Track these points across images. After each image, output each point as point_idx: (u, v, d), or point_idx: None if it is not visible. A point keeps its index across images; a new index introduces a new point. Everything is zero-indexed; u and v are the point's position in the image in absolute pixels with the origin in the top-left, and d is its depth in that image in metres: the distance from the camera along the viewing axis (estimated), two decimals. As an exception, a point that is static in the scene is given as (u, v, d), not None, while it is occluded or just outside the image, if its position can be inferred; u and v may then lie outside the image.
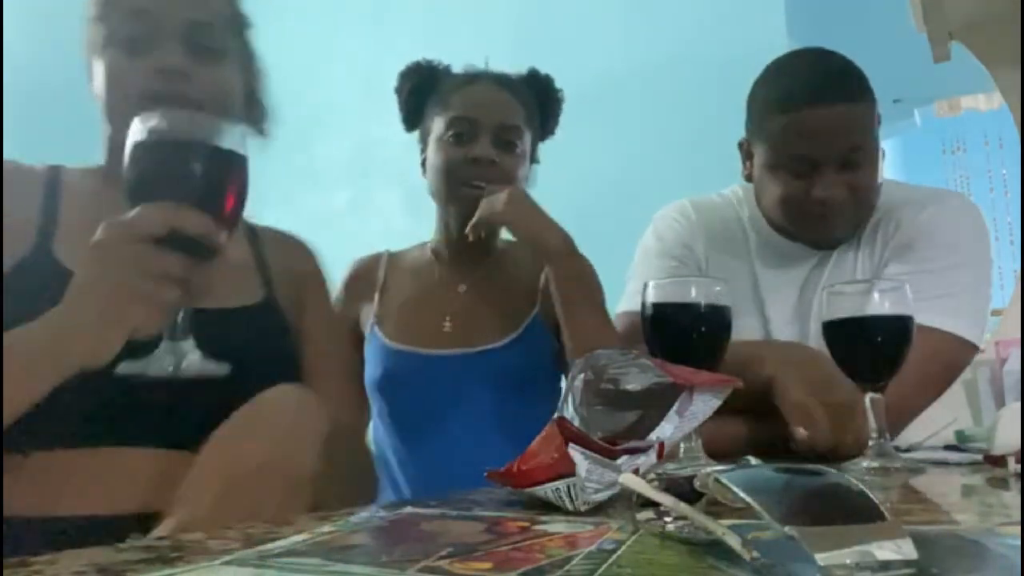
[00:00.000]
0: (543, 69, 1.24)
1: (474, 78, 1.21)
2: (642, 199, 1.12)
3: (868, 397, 0.76)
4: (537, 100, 1.21)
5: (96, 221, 0.58)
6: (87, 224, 0.58)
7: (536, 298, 1.17)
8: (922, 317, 0.82)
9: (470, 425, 1.10)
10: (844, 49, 1.05)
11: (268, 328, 0.84)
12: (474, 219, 1.08)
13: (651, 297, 0.79)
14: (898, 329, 0.77)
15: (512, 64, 1.23)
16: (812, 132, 0.99)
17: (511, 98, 1.17)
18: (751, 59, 1.08)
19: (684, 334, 0.78)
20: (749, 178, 1.13)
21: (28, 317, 0.59)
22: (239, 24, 0.87)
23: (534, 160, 1.23)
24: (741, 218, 1.17)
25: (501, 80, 1.20)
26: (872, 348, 0.77)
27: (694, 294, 0.77)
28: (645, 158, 1.21)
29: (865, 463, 0.73)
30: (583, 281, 1.05)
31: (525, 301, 1.17)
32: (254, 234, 0.94)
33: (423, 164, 1.21)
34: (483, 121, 1.14)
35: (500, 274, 1.21)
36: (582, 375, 0.61)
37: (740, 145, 1.14)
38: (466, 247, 1.17)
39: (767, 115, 1.05)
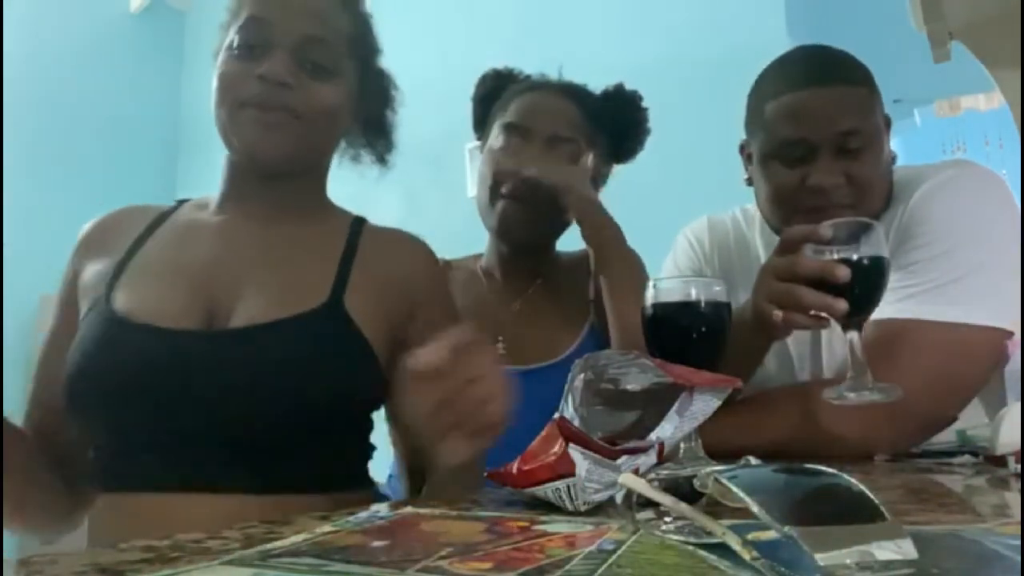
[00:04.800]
0: (541, 70, 1.20)
1: (538, 85, 1.15)
2: (640, 200, 1.12)
3: (848, 336, 0.74)
4: (613, 119, 1.14)
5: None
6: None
7: (588, 310, 1.13)
8: (926, 311, 0.78)
9: (520, 444, 1.06)
10: (844, 49, 1.05)
11: (321, 335, 0.75)
12: (534, 173, 1.01)
13: (651, 298, 0.79)
14: (870, 266, 0.73)
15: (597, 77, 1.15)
16: (806, 112, 0.94)
17: (574, 110, 1.10)
18: (751, 59, 1.07)
19: (684, 334, 0.78)
20: (749, 182, 1.09)
21: None
22: (361, 47, 0.85)
23: (596, 183, 1.14)
24: (753, 236, 1.14)
25: (568, 90, 1.13)
26: (842, 286, 0.72)
27: (694, 294, 0.77)
28: (643, 158, 1.21)
29: (845, 392, 0.72)
30: (634, 275, 1.01)
31: (578, 315, 1.13)
32: (357, 234, 0.87)
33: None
34: (535, 129, 1.08)
35: (552, 290, 1.16)
36: (582, 375, 0.61)
37: (740, 149, 1.11)
38: (520, 265, 1.14)
39: (763, 104, 1.00)
